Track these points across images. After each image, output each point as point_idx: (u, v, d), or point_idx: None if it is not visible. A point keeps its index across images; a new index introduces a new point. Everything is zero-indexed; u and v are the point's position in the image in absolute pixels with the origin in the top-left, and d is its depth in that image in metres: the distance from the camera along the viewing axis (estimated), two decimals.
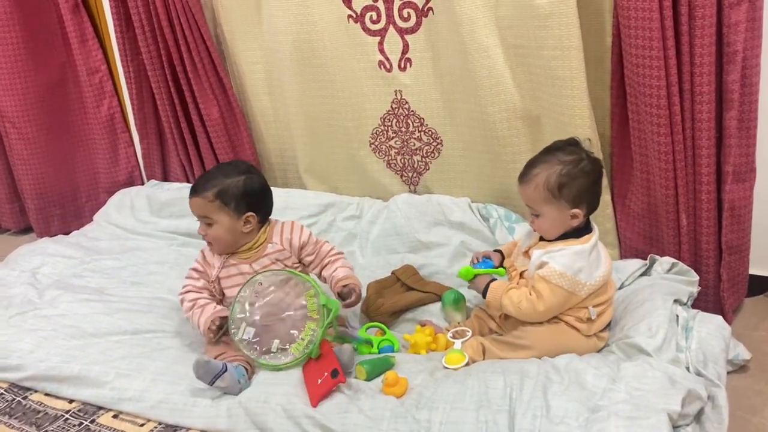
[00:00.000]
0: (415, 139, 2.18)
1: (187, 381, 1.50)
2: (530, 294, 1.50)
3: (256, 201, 1.67)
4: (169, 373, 1.57)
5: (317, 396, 1.42)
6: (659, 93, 1.59)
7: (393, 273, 1.96)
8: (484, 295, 1.58)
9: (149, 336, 1.77)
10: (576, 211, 1.49)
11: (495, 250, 1.72)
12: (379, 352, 1.66)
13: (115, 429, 1.48)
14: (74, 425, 1.50)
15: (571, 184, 1.48)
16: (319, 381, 1.46)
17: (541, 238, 1.57)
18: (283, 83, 2.25)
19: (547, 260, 1.48)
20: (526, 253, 1.58)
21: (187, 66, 2.28)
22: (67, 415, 1.52)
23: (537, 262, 1.50)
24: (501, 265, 1.68)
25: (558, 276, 1.46)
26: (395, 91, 2.13)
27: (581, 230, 1.53)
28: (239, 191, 1.64)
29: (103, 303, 1.92)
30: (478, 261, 1.66)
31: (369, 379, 1.48)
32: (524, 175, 1.53)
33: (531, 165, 1.53)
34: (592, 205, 1.53)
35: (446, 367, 1.54)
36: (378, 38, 2.07)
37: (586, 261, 1.48)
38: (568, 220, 1.50)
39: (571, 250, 1.48)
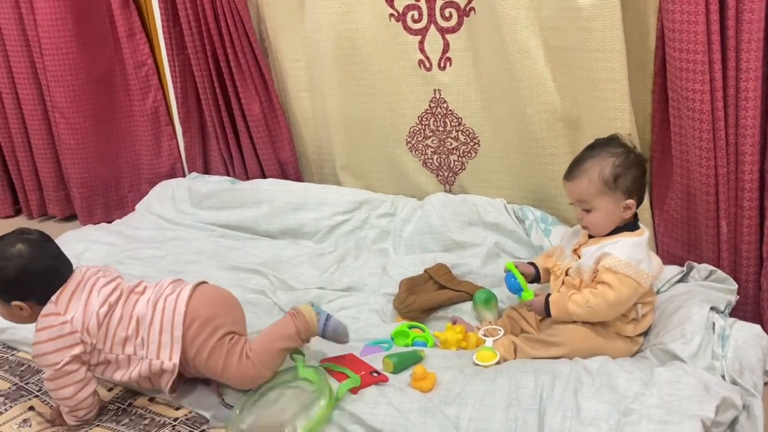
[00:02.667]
0: (452, 138, 2.19)
1: None
2: (596, 289, 1.48)
3: (16, 288, 1.44)
4: None
5: (362, 384, 1.44)
6: (702, 98, 1.57)
7: (426, 271, 1.97)
8: (547, 313, 1.54)
9: None
10: (630, 201, 1.51)
11: (528, 263, 1.70)
12: (413, 345, 1.67)
13: (151, 410, 1.53)
14: (110, 410, 1.55)
15: (625, 174, 1.50)
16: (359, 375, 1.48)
17: (590, 237, 1.57)
18: (323, 81, 2.28)
19: (609, 251, 1.48)
20: (575, 252, 1.58)
21: (231, 62, 2.33)
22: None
23: (596, 256, 1.50)
24: (533, 280, 1.67)
25: (624, 265, 1.46)
26: (434, 90, 2.14)
27: (631, 225, 1.54)
28: None
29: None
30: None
31: (396, 372, 1.49)
32: (574, 171, 1.53)
33: (579, 161, 1.54)
34: (641, 198, 1.55)
35: (477, 364, 1.54)
36: (419, 37, 2.08)
37: (645, 252, 1.50)
38: (621, 213, 1.51)
39: (630, 241, 1.50)
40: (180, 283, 1.57)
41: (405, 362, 1.52)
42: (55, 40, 2.56)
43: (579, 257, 1.56)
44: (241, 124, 2.42)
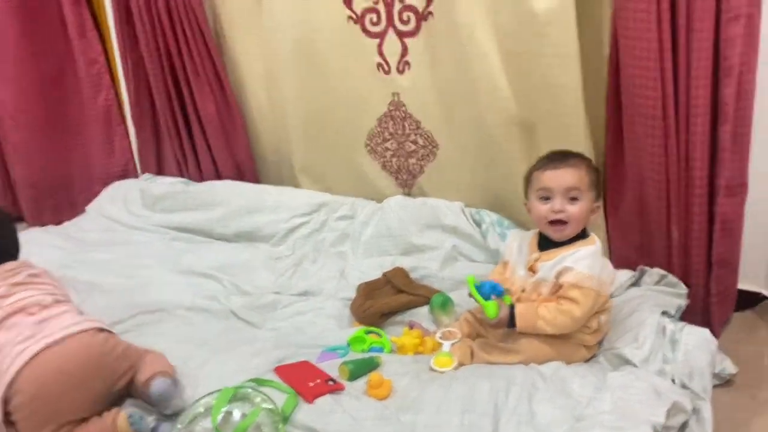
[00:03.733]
0: (411, 142, 2.18)
1: None
2: (561, 305, 1.47)
3: None
4: None
5: (314, 394, 1.41)
6: (655, 104, 1.60)
7: (384, 275, 1.96)
8: (511, 324, 1.50)
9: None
10: (599, 204, 1.53)
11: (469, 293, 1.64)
12: (369, 351, 1.66)
13: None
14: None
15: (598, 177, 1.54)
16: (311, 384, 1.45)
17: (546, 248, 1.55)
18: (281, 81, 2.25)
19: (570, 265, 1.47)
20: (531, 268, 1.56)
21: (185, 60, 2.27)
22: None
23: (557, 270, 1.48)
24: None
25: (587, 278, 1.46)
26: (393, 94, 2.13)
27: (583, 233, 1.54)
28: None
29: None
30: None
31: (352, 379, 1.47)
32: (566, 159, 1.52)
33: (563, 156, 1.53)
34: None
35: (434, 370, 1.53)
36: (377, 40, 2.07)
37: (601, 261, 1.51)
38: (589, 215, 1.52)
39: (587, 252, 1.49)
40: (57, 325, 1.38)
41: (361, 369, 1.50)
42: (2, 37, 2.47)
43: (534, 272, 1.55)
44: (196, 124, 2.37)
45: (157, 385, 1.39)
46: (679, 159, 1.64)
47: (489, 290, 1.52)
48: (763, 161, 1.76)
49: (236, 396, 1.39)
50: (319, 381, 1.45)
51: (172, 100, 2.39)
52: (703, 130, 1.59)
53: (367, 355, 1.58)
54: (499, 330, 1.61)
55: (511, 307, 1.51)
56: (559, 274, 1.49)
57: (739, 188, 1.67)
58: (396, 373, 1.50)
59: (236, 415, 1.35)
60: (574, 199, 1.50)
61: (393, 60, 2.07)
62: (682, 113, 1.60)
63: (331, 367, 1.52)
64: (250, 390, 1.40)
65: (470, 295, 1.53)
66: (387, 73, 2.09)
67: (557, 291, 1.50)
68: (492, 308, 1.49)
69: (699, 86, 1.56)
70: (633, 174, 1.75)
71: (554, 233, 1.53)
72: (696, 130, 1.59)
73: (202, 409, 1.37)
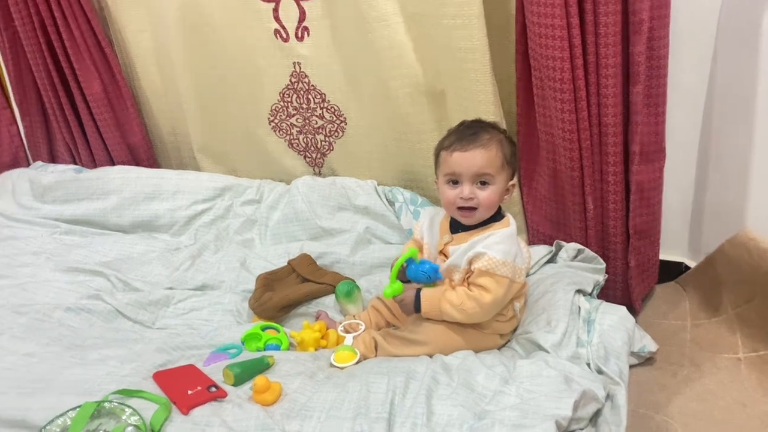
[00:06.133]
0: (317, 116, 2.01)
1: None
2: (471, 291, 1.34)
3: None
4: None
5: (189, 404, 1.25)
6: (563, 66, 1.47)
7: (289, 263, 1.80)
8: (417, 308, 1.38)
9: None
10: (514, 182, 1.39)
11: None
12: (265, 349, 1.51)
13: None
14: None
15: (514, 151, 1.39)
16: (190, 392, 1.29)
17: (457, 230, 1.41)
18: (171, 53, 2.05)
19: (483, 250, 1.33)
20: (442, 252, 1.43)
21: (63, 35, 2.05)
22: None
23: (468, 256, 1.34)
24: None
25: (501, 265, 1.32)
26: (294, 63, 1.95)
27: (498, 215, 1.40)
28: None
29: None
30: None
31: (238, 384, 1.31)
32: (476, 138, 1.34)
33: (474, 134, 1.35)
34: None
35: (334, 366, 1.40)
36: (272, 4, 1.88)
37: (516, 244, 1.37)
38: (504, 195, 1.38)
39: (502, 234, 1.35)
40: None
41: (248, 372, 1.34)
42: None
43: (446, 256, 1.41)
44: (82, 105, 2.15)
45: None
46: (591, 124, 1.51)
47: (429, 271, 1.37)
48: (681, 125, 1.67)
49: (99, 412, 1.22)
50: (199, 388, 1.29)
51: (54, 79, 2.16)
52: (614, 92, 1.47)
53: (258, 355, 1.42)
54: (409, 318, 1.48)
55: (418, 291, 1.38)
56: (471, 260, 1.35)
57: (656, 154, 1.56)
58: (288, 374, 1.35)
59: None
60: (484, 184, 1.35)
61: (291, 26, 1.89)
62: (592, 74, 1.47)
63: (218, 371, 1.37)
64: (115, 403, 1.23)
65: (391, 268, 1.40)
66: (285, 40, 1.91)
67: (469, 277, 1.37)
68: (389, 289, 1.36)
69: (608, 44, 1.43)
70: (546, 142, 1.62)
71: (463, 219, 1.39)
72: (607, 92, 1.47)
73: (58, 430, 1.20)
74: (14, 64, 2.25)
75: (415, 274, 1.39)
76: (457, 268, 1.38)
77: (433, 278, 1.38)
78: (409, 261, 1.40)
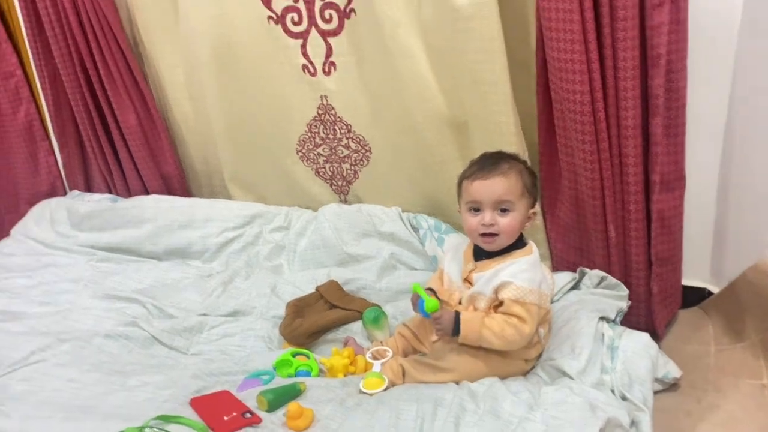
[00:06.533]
0: (342, 146, 2.07)
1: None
2: (510, 319, 1.36)
3: None
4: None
5: (226, 430, 1.30)
6: (583, 99, 1.51)
7: (317, 289, 1.86)
8: (456, 331, 1.39)
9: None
10: (535, 210, 1.44)
11: (427, 289, 1.55)
12: (296, 375, 1.55)
13: None
14: None
15: (534, 181, 1.44)
16: (226, 418, 1.34)
17: (481, 258, 1.45)
18: (203, 87, 2.13)
19: (509, 279, 1.36)
20: (466, 280, 1.46)
21: (100, 70, 2.14)
22: None
23: (494, 285, 1.38)
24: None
25: (528, 293, 1.36)
26: (321, 96, 2.02)
27: (520, 242, 1.44)
28: None
29: None
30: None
31: (272, 410, 1.36)
32: (494, 169, 1.39)
33: (494, 163, 1.41)
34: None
35: (363, 392, 1.44)
36: (300, 41, 1.95)
37: (540, 271, 1.41)
38: (525, 222, 1.42)
39: (526, 262, 1.39)
40: None
41: (281, 398, 1.39)
42: None
43: (471, 284, 1.45)
44: (118, 136, 2.24)
45: None
46: (611, 155, 1.55)
47: (422, 313, 1.41)
48: (702, 153, 1.70)
49: None
50: (235, 414, 1.35)
51: (91, 112, 2.26)
52: (634, 123, 1.51)
53: (290, 381, 1.47)
54: (437, 344, 1.52)
55: (457, 314, 1.41)
56: (497, 289, 1.39)
57: (676, 183, 1.59)
58: (320, 400, 1.39)
59: None
60: (505, 211, 1.40)
61: (318, 61, 1.96)
62: (612, 106, 1.51)
63: (252, 397, 1.42)
64: (156, 429, 1.29)
65: (414, 300, 1.44)
66: (313, 74, 1.98)
67: (497, 306, 1.41)
68: (433, 302, 1.38)
69: (627, 77, 1.47)
70: (567, 171, 1.66)
71: (485, 245, 1.43)
72: (627, 123, 1.51)
73: None
74: (54, 98, 2.35)
75: (421, 310, 1.41)
76: (482, 295, 1.42)
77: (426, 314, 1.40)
78: (417, 299, 1.43)
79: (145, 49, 2.20)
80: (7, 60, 2.43)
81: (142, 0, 2.12)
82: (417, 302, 1.44)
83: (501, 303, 1.39)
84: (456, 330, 1.39)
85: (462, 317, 1.39)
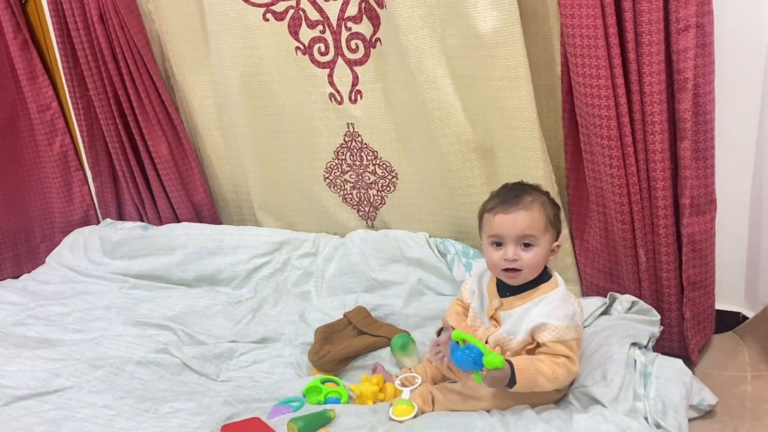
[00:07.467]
0: (369, 172, 2.09)
1: None
2: (557, 360, 1.34)
3: None
4: None
5: None
6: (609, 123, 1.51)
7: (345, 315, 1.86)
8: (512, 384, 1.31)
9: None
10: (558, 243, 1.41)
11: (439, 330, 1.53)
12: (326, 402, 1.56)
13: None
14: None
15: (557, 212, 1.42)
16: None
17: (506, 294, 1.42)
18: (233, 118, 2.17)
19: (544, 321, 1.34)
20: (492, 318, 1.44)
21: (133, 102, 2.20)
22: None
23: (529, 327, 1.35)
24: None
25: (566, 330, 1.34)
26: (347, 124, 2.05)
27: (546, 275, 1.42)
28: None
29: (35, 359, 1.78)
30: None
31: None
32: (517, 203, 1.36)
33: (516, 196, 1.38)
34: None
35: (393, 419, 1.44)
36: (327, 70, 1.99)
37: (571, 303, 1.39)
38: (549, 256, 1.40)
39: (554, 298, 1.37)
40: None
41: (312, 425, 1.40)
42: None
43: (497, 321, 1.43)
44: (149, 166, 2.29)
45: None
46: (639, 179, 1.55)
47: (476, 356, 1.28)
48: (734, 175, 1.68)
49: None
50: None
51: (124, 143, 2.31)
52: (662, 147, 1.51)
53: (319, 408, 1.48)
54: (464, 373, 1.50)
55: (510, 364, 1.31)
56: (533, 332, 1.36)
57: (707, 206, 1.58)
58: (349, 427, 1.40)
59: None
60: (528, 245, 1.37)
61: (344, 90, 2.00)
62: (639, 131, 1.51)
63: (282, 424, 1.42)
64: None
65: (450, 347, 1.34)
66: (340, 103, 2.02)
67: (533, 348, 1.38)
68: (498, 358, 1.27)
69: (654, 102, 1.48)
70: (595, 195, 1.66)
71: (509, 280, 1.41)
72: (654, 148, 1.51)
73: None
74: (88, 129, 2.42)
75: (460, 360, 1.31)
76: (513, 337, 1.39)
77: (478, 365, 1.29)
78: (454, 346, 1.33)
79: (177, 82, 2.26)
80: (44, 93, 2.52)
81: (174, 34, 2.18)
82: (454, 349, 1.32)
83: (537, 345, 1.37)
84: (512, 381, 1.31)
85: (516, 367, 1.31)
